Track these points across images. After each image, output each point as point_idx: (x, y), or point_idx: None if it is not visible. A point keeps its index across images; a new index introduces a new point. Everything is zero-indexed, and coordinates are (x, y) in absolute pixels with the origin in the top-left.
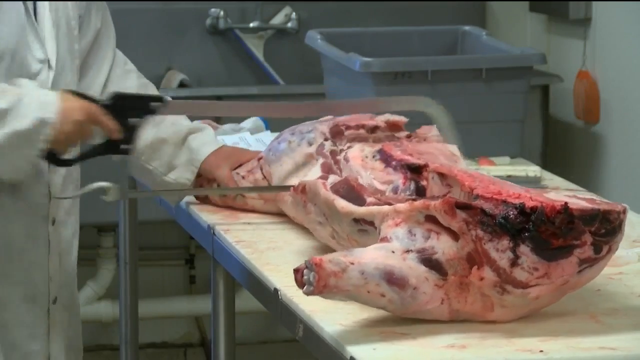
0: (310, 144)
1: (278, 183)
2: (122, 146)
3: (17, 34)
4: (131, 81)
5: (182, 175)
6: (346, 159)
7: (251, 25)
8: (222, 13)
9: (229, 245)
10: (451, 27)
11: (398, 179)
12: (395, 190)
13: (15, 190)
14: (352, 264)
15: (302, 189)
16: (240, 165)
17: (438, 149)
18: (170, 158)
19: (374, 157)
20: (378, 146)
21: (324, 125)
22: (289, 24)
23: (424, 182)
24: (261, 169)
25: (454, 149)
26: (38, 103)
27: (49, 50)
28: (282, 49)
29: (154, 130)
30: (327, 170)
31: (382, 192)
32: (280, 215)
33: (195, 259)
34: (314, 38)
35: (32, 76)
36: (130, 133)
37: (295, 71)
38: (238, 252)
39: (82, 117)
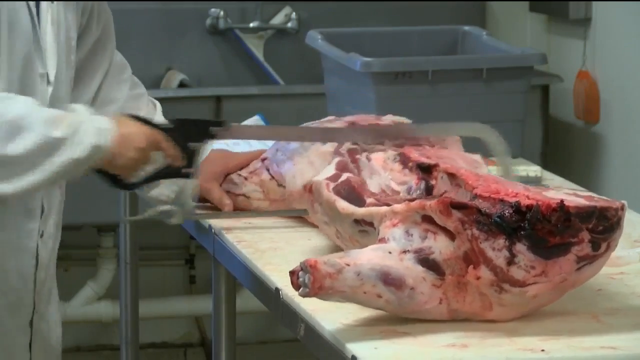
0: (323, 142)
1: (291, 183)
2: (183, 170)
3: (26, 47)
4: (122, 93)
5: (163, 192)
6: (368, 159)
7: (251, 25)
8: (222, 13)
9: (230, 246)
10: (451, 27)
11: (412, 179)
12: (409, 191)
13: (6, 201)
14: (348, 265)
15: (310, 189)
16: (228, 175)
17: (461, 156)
18: None
19: (394, 159)
20: (400, 150)
21: (337, 125)
22: (289, 24)
23: (433, 182)
24: (268, 170)
25: (477, 157)
26: (94, 129)
27: (49, 64)
28: (282, 49)
29: None
30: (341, 169)
31: (397, 192)
32: (281, 216)
33: (195, 259)
34: (314, 38)
35: (30, 91)
36: (190, 157)
37: (295, 71)
38: (239, 252)
39: (144, 144)
